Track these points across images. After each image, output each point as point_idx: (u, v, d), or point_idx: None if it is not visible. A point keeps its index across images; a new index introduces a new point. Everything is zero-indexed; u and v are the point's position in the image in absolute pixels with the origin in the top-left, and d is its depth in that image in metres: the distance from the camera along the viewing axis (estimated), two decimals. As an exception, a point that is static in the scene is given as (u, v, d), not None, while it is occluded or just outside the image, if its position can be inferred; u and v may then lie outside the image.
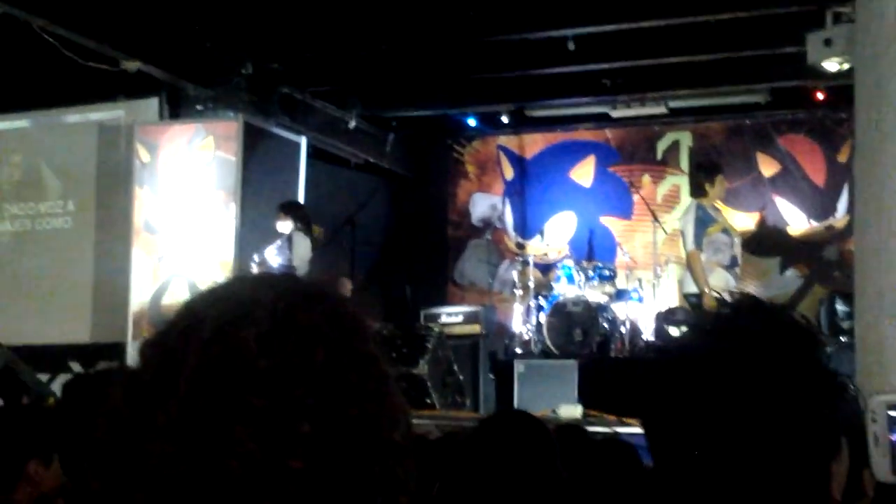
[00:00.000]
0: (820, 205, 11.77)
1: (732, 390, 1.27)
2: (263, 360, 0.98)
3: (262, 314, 1.01)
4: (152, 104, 11.07)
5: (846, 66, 7.87)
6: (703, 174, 8.84)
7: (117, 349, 10.13)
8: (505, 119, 12.74)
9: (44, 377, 9.26)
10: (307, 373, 0.99)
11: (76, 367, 10.13)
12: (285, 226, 9.57)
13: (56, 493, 3.15)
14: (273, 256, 9.46)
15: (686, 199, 10.27)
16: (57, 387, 8.85)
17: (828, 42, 8.04)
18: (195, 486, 0.95)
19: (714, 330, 1.37)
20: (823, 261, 11.61)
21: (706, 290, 8.20)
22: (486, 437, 2.76)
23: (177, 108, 11.01)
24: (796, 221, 11.84)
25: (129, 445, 0.99)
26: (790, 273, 11.77)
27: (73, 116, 11.59)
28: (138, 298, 10.34)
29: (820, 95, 11.23)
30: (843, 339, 9.19)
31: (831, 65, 8.25)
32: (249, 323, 1.00)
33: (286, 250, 9.46)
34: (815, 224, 11.76)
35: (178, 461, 0.96)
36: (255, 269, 8.93)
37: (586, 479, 3.31)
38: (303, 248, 9.55)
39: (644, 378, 1.37)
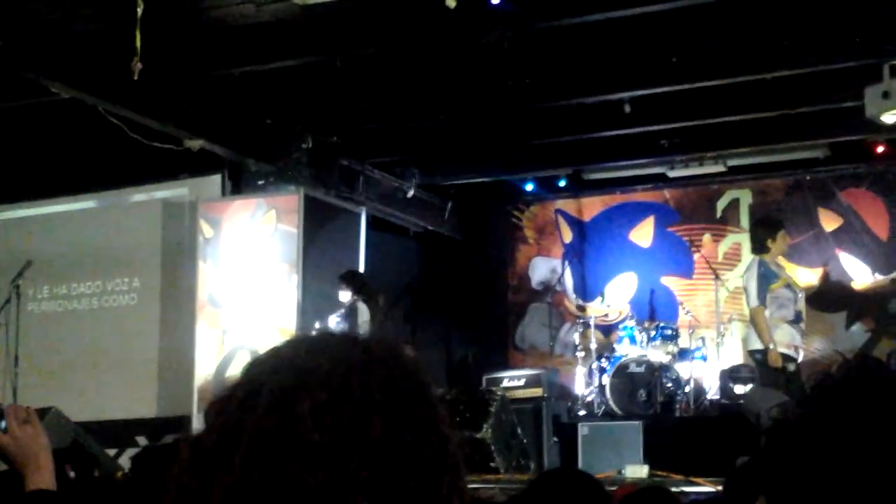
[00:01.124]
0: (884, 258, 11.62)
1: (867, 459, 1.22)
2: (317, 434, 0.98)
3: (317, 384, 1.01)
4: (215, 181, 11.28)
5: (905, 119, 7.85)
6: (764, 230, 8.80)
7: (183, 422, 10.23)
8: (562, 183, 12.80)
9: (112, 452, 9.37)
10: (362, 445, 0.98)
11: (143, 441, 10.24)
12: (345, 295, 9.73)
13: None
14: (335, 325, 9.56)
15: (748, 256, 10.19)
16: (125, 461, 8.95)
17: (886, 95, 8.01)
18: None
19: (843, 397, 1.29)
20: (889, 314, 11.44)
21: (771, 346, 8.13)
22: (539, 496, 2.74)
23: (239, 184, 11.20)
24: (860, 275, 11.70)
25: None
26: (856, 328, 11.59)
27: (139, 195, 11.83)
28: (203, 371, 10.46)
29: (880, 149, 11.15)
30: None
31: (889, 118, 8.21)
32: (304, 394, 1.00)
33: (349, 319, 9.57)
34: (879, 277, 11.60)
35: None
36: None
37: None
38: (365, 317, 9.68)
39: (770, 446, 1.31)
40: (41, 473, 2.52)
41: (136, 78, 7.55)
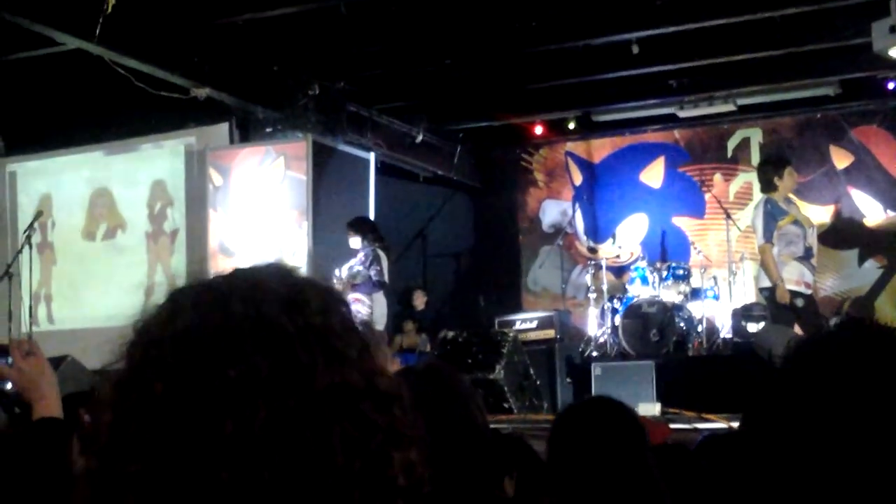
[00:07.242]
0: (896, 194, 11.60)
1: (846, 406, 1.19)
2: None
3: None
4: (223, 129, 11.27)
5: (913, 54, 7.80)
6: (771, 168, 8.75)
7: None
8: (572, 125, 12.76)
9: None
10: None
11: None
12: (355, 241, 9.76)
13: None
14: (355, 273, 9.59)
15: (759, 195, 10.18)
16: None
17: (893, 29, 7.95)
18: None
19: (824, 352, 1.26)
20: (902, 250, 11.45)
21: (779, 283, 8.14)
22: (572, 423, 2.72)
23: (247, 132, 11.20)
24: (873, 212, 11.67)
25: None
26: (869, 264, 11.60)
27: (147, 145, 11.84)
28: (217, 320, 10.49)
29: (891, 85, 11.07)
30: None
31: (897, 52, 8.16)
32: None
33: (374, 265, 9.59)
34: (891, 214, 11.58)
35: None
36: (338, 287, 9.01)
37: None
38: (385, 263, 9.74)
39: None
40: (47, 402, 2.60)
41: (108, 11, 7.53)
